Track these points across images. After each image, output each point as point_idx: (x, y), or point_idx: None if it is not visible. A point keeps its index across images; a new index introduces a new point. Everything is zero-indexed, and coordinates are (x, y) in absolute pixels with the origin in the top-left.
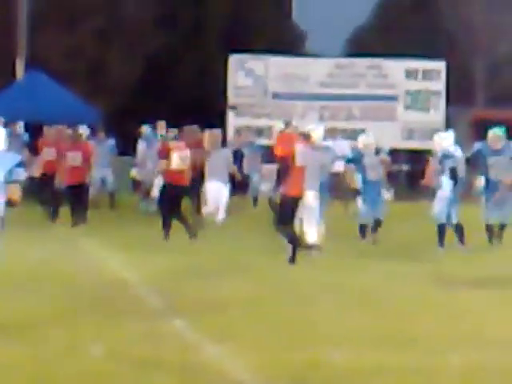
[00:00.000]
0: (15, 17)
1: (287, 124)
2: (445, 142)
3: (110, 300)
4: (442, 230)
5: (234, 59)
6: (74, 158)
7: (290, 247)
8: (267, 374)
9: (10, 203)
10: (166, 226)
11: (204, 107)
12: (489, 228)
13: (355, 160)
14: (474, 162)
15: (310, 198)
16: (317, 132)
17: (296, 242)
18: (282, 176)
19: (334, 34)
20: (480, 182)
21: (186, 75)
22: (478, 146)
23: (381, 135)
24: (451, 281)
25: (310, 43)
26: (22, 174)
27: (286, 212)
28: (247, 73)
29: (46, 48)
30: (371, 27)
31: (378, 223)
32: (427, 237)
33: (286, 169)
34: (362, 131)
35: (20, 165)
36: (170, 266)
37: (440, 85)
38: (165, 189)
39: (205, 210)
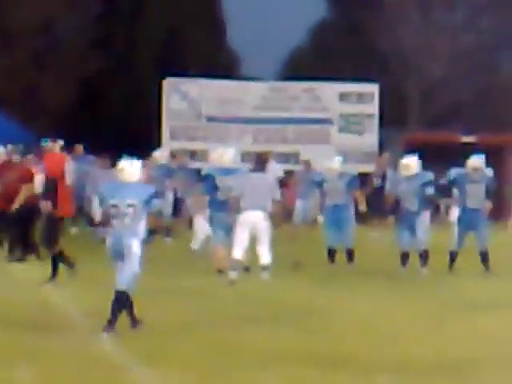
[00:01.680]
0: None
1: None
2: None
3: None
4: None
5: (168, 82)
6: None
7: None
8: None
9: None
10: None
11: (139, 129)
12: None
13: (317, 184)
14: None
15: (258, 219)
16: (226, 154)
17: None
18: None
19: (268, 58)
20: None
21: (120, 98)
22: (454, 173)
23: (315, 158)
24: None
25: (245, 66)
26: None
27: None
28: (182, 96)
29: None
30: (306, 50)
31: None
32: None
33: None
34: (297, 154)
35: (156, 195)
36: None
37: (373, 108)
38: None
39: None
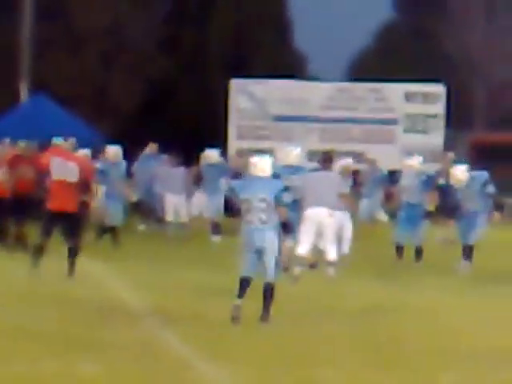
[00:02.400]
0: (19, 42)
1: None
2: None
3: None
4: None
5: (235, 83)
6: None
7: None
8: None
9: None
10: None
11: (206, 128)
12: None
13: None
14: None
15: (323, 215)
16: (292, 153)
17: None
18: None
19: (334, 59)
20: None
21: (187, 98)
22: None
23: (380, 157)
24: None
25: (311, 67)
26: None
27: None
28: (249, 96)
29: (51, 72)
30: (371, 52)
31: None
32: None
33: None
34: (362, 154)
35: (286, 189)
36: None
37: (439, 108)
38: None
39: None
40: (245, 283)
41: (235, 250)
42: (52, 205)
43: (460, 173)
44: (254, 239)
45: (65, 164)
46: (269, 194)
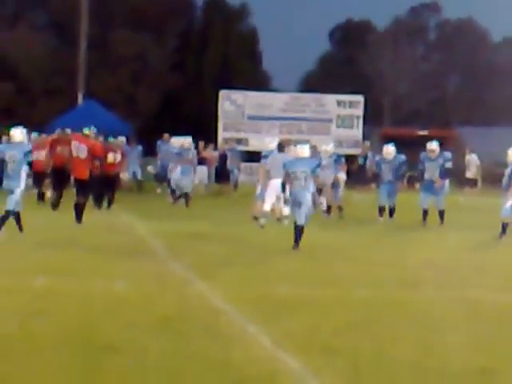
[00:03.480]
0: (77, 64)
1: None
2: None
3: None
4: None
5: (222, 93)
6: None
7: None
8: (235, 299)
9: None
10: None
11: (203, 124)
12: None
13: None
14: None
15: (279, 184)
16: (270, 142)
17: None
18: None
19: (290, 77)
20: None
21: (191, 103)
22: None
23: (320, 145)
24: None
25: (274, 83)
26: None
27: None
28: (231, 102)
29: (98, 85)
30: (315, 73)
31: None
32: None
33: None
34: (307, 142)
35: (319, 165)
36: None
37: (359, 111)
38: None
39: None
40: (298, 228)
41: (220, 206)
42: (73, 173)
43: (391, 150)
44: (296, 197)
45: (79, 146)
46: (307, 168)
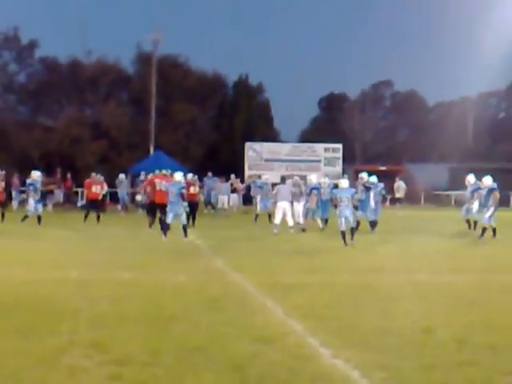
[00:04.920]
0: (150, 126)
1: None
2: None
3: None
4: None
5: (247, 144)
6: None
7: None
8: (259, 284)
9: None
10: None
11: (235, 167)
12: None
13: (317, 189)
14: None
15: (286, 205)
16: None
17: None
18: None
19: (292, 132)
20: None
21: (226, 152)
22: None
23: (313, 178)
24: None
25: (281, 136)
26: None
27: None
28: (253, 150)
29: (164, 140)
30: (309, 130)
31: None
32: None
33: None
34: (305, 177)
35: (355, 193)
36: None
37: (339, 154)
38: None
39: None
40: (343, 232)
41: (247, 221)
42: (158, 201)
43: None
44: (344, 212)
45: (160, 182)
46: (349, 195)
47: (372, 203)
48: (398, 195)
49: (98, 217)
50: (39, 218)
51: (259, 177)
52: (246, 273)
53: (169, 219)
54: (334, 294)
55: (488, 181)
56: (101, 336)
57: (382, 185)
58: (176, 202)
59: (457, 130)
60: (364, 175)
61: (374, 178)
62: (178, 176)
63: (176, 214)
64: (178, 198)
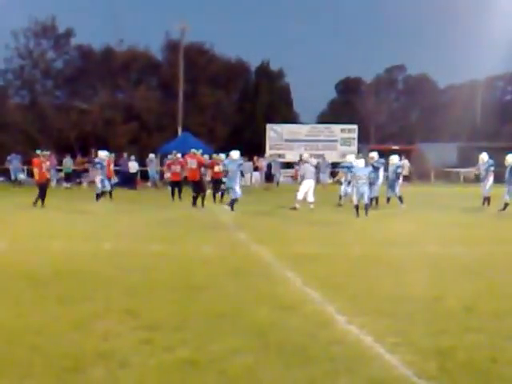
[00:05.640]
0: (177, 108)
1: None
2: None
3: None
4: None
5: (269, 126)
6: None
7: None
8: (279, 256)
9: None
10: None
11: (257, 146)
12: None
13: (348, 167)
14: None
15: (311, 183)
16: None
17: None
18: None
19: (311, 115)
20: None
21: (249, 133)
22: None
23: (330, 156)
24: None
25: (301, 118)
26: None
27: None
28: (274, 131)
29: (191, 122)
30: (326, 112)
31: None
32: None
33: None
34: (323, 155)
35: (374, 171)
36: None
37: (355, 134)
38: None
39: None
40: (357, 206)
41: (268, 197)
42: (188, 178)
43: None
44: (360, 189)
45: (191, 160)
46: (366, 173)
47: (380, 181)
48: (403, 173)
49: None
50: (110, 194)
51: (279, 155)
52: (267, 245)
53: (237, 193)
54: (350, 264)
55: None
56: (133, 303)
57: (399, 163)
58: (234, 177)
59: (466, 111)
60: (373, 154)
61: (395, 157)
62: (236, 154)
63: (233, 187)
64: (237, 174)
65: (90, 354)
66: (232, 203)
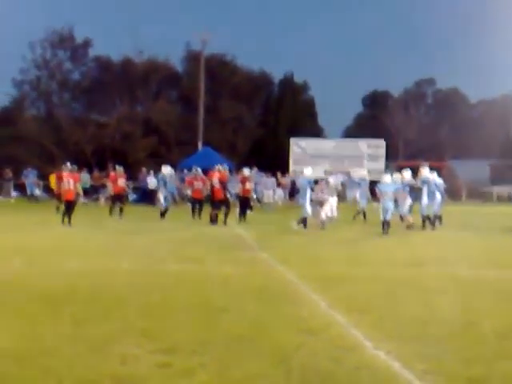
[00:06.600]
0: (198, 123)
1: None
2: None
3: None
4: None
5: (292, 140)
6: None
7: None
8: (303, 277)
9: None
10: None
11: (280, 161)
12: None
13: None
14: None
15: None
16: (307, 170)
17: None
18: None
19: (336, 130)
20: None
21: (271, 148)
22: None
23: (357, 174)
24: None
25: (326, 133)
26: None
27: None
28: (298, 146)
29: (212, 136)
30: (352, 126)
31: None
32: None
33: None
34: (348, 172)
35: (399, 187)
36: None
37: (382, 151)
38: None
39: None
40: (385, 222)
41: (292, 215)
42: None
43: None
44: (387, 205)
45: (213, 179)
46: (392, 189)
47: (438, 199)
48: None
49: (121, 209)
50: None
51: (302, 172)
52: (291, 265)
53: (307, 211)
54: (377, 286)
55: None
56: (150, 325)
57: (436, 181)
58: (304, 194)
59: (498, 127)
60: (406, 174)
61: (407, 173)
62: (308, 171)
63: (303, 205)
64: (307, 191)
65: (106, 378)
66: (303, 221)
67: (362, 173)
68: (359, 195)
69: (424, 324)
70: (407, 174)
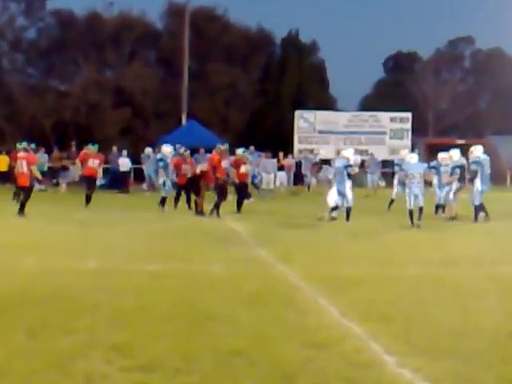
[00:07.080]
0: (182, 92)
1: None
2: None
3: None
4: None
5: (297, 112)
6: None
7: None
8: (309, 278)
9: None
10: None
11: (283, 138)
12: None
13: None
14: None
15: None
16: (348, 151)
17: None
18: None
19: (351, 99)
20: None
21: (272, 120)
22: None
23: (377, 153)
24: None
25: (339, 103)
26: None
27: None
28: (304, 120)
29: (197, 108)
30: (371, 95)
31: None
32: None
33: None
34: (366, 151)
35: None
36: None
37: (408, 125)
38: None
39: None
40: (411, 212)
41: (297, 203)
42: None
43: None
44: (413, 189)
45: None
46: (421, 170)
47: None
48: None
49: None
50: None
51: (311, 151)
52: (295, 264)
53: (350, 201)
54: (401, 290)
55: None
56: (123, 337)
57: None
58: (341, 180)
59: None
60: (454, 153)
61: (455, 152)
62: (349, 152)
63: (343, 193)
64: (344, 176)
65: None
66: (332, 210)
67: (403, 154)
68: (397, 181)
69: (458, 335)
70: (456, 153)
